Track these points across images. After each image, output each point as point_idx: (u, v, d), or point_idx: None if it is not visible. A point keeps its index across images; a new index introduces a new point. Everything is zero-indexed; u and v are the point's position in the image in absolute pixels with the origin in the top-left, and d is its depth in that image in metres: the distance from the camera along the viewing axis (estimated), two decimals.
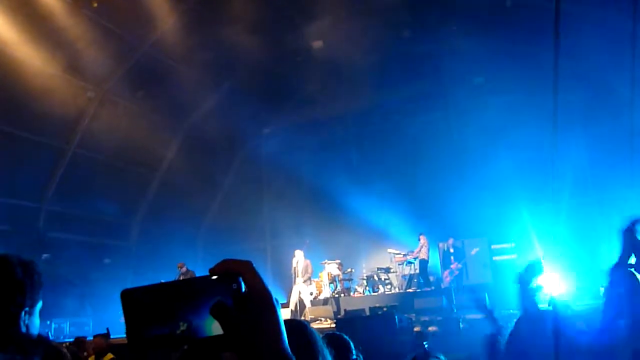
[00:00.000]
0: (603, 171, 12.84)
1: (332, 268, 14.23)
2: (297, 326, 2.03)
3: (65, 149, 13.90)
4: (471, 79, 14.54)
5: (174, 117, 16.00)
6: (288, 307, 12.48)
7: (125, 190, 15.64)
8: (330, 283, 13.99)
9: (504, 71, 13.14)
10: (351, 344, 3.38)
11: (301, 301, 12.32)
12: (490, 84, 13.95)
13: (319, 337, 1.99)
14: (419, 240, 13.81)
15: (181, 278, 8.97)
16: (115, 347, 7.23)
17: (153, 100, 14.86)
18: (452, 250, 12.41)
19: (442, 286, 12.51)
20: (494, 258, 13.31)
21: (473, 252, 12.34)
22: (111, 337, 8.19)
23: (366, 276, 14.67)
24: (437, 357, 2.15)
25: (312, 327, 2.05)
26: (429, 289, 13.05)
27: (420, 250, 13.76)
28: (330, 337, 3.67)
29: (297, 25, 13.75)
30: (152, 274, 14.91)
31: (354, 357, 2.75)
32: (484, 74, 14.26)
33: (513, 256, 13.30)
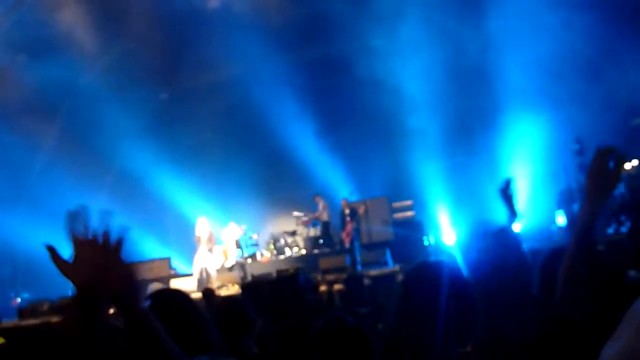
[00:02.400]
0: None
1: (237, 233, 14.17)
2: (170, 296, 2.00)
3: None
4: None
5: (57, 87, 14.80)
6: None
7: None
8: (236, 248, 13.94)
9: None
10: (247, 305, 3.40)
11: (206, 270, 12.18)
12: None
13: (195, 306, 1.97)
14: (317, 202, 14.10)
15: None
16: (5, 331, 6.77)
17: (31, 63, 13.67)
18: (347, 211, 12.65)
19: (344, 246, 12.84)
20: (394, 216, 13.81)
21: (361, 210, 12.73)
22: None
23: (272, 240, 14.79)
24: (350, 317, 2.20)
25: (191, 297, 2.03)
26: (332, 250, 13.42)
27: (320, 212, 14.08)
28: (222, 305, 3.67)
29: None
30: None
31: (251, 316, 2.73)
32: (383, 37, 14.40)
33: (411, 213, 13.88)
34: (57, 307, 10.30)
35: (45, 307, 10.85)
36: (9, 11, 12.62)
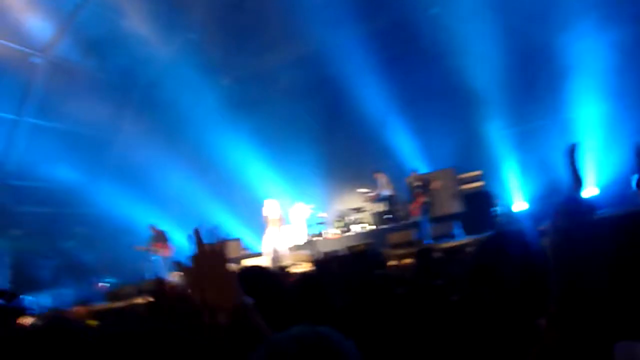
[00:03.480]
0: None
1: (305, 212, 14.42)
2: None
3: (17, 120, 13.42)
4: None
5: (128, 78, 15.52)
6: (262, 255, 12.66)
7: (83, 158, 15.21)
8: (304, 228, 14.20)
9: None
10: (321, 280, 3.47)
11: (277, 250, 12.47)
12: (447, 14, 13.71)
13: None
14: (376, 178, 14.03)
15: (153, 240, 8.93)
16: (97, 314, 7.25)
17: (102, 60, 14.35)
18: (415, 184, 12.49)
19: (412, 220, 12.76)
20: (461, 187, 13.53)
21: (435, 185, 12.45)
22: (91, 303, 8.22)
23: (340, 217, 14.93)
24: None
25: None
26: (399, 224, 13.38)
27: (382, 188, 14.01)
28: (298, 281, 3.77)
29: None
30: (123, 238, 14.76)
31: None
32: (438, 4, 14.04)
33: (480, 184, 13.57)
34: (141, 289, 10.90)
35: (130, 290, 11.54)
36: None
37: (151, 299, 1.85)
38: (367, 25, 14.46)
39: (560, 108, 13.36)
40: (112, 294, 12.05)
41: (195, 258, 1.41)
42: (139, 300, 8.77)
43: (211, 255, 1.41)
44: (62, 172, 14.34)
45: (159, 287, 1.68)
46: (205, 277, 1.39)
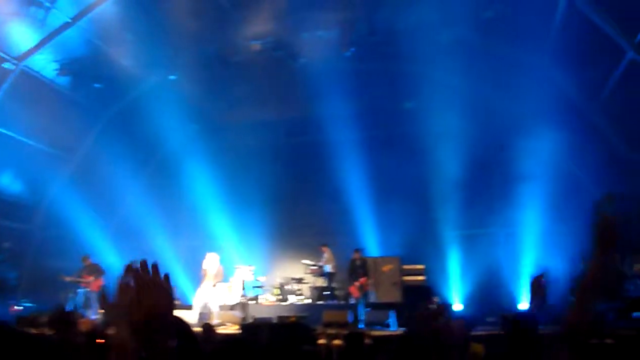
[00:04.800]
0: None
1: (244, 273, 14.12)
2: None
3: None
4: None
5: (98, 102, 15.40)
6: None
7: (33, 171, 14.76)
8: (240, 289, 13.86)
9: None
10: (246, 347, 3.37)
11: (208, 305, 12.09)
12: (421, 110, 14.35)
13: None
14: (323, 251, 14.02)
15: (84, 272, 8.55)
16: None
17: (76, 81, 14.25)
18: (359, 265, 12.50)
19: (351, 301, 12.66)
20: (404, 278, 13.62)
21: (386, 268, 12.49)
22: None
23: (278, 285, 14.67)
24: None
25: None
26: (336, 303, 13.25)
27: (325, 263, 13.97)
28: (221, 343, 3.64)
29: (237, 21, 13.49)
30: (53, 262, 14.14)
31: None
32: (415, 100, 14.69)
33: (422, 278, 13.70)
34: (49, 320, 10.23)
35: (43, 319, 10.81)
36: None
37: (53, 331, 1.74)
38: (345, 105, 14.93)
39: (507, 219, 13.87)
40: (24, 320, 11.26)
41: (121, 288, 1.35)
42: (48, 332, 8.23)
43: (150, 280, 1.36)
44: (4, 181, 13.80)
45: (63, 320, 1.57)
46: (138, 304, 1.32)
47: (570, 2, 11.00)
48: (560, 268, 12.23)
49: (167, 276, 1.39)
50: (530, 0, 11.35)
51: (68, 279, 13.04)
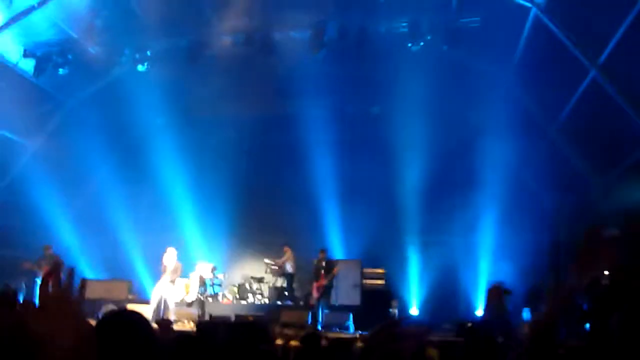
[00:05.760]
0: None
1: (204, 270, 13.98)
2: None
3: None
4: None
5: (63, 89, 15.04)
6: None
7: None
8: (200, 286, 13.72)
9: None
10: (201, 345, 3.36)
11: (164, 301, 11.90)
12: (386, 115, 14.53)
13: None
14: (284, 251, 14.02)
15: (44, 261, 8.31)
16: None
17: (40, 65, 13.83)
18: (323, 264, 12.47)
19: (311, 302, 12.67)
20: (364, 281, 13.71)
21: (335, 270, 12.50)
22: None
23: (238, 284, 14.58)
24: None
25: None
26: (295, 304, 13.26)
27: (284, 262, 13.96)
28: (176, 340, 3.61)
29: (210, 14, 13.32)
30: (9, 250, 13.72)
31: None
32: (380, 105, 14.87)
33: (382, 282, 13.81)
34: None
35: None
36: None
37: None
38: (313, 106, 14.96)
39: (467, 227, 14.15)
40: None
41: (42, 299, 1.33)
42: None
43: (57, 297, 1.33)
44: None
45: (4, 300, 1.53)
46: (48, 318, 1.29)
47: (536, 19, 11.29)
48: (514, 278, 12.55)
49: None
50: (500, 15, 11.59)
51: (28, 265, 12.67)
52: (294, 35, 12.82)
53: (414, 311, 14.23)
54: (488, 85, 13.07)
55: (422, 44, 11.94)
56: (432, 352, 4.63)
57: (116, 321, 1.83)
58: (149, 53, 13.56)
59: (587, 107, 11.42)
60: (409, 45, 12.01)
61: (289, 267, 13.94)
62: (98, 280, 13.77)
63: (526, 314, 11.41)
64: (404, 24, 12.13)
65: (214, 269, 14.22)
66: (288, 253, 14.00)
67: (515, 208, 13.13)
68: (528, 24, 11.58)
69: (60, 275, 1.34)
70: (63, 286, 1.34)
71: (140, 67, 13.56)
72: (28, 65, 13.71)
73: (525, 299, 11.70)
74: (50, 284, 1.33)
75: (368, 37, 12.30)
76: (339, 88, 14.68)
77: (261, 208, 15.29)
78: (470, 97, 13.67)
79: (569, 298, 1.79)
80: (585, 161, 12.44)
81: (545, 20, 11.06)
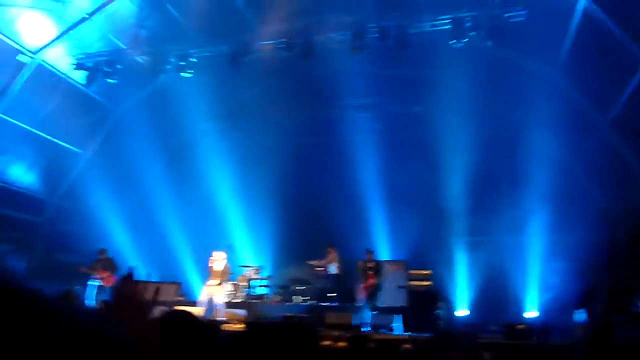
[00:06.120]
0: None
1: (250, 272, 14.17)
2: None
3: None
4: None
5: (112, 97, 15.56)
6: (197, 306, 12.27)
7: (46, 165, 14.95)
8: (246, 288, 13.90)
9: None
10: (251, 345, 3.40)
11: (213, 302, 12.13)
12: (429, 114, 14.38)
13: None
14: (328, 252, 14.01)
15: (99, 265, 8.67)
16: None
17: (91, 75, 14.33)
18: (369, 265, 12.39)
19: (356, 303, 12.64)
20: (410, 283, 13.57)
21: (392, 269, 12.41)
22: None
23: (283, 285, 14.68)
24: None
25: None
26: (340, 305, 13.24)
27: (328, 263, 13.95)
28: (226, 340, 3.67)
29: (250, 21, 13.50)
30: (63, 255, 14.32)
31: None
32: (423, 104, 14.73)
33: (428, 283, 13.65)
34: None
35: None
36: None
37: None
38: (356, 107, 14.96)
39: (515, 226, 13.83)
40: None
41: (114, 298, 1.40)
42: None
43: (127, 297, 1.39)
44: (16, 171, 13.95)
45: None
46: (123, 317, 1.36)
47: (585, 10, 10.94)
48: (566, 278, 12.19)
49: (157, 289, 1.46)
50: (546, 7, 11.29)
51: (83, 269, 13.15)
52: (334, 37, 12.82)
53: (461, 312, 14.00)
54: (535, 81, 12.75)
55: (465, 40, 11.71)
56: (486, 355, 4.54)
57: (173, 321, 1.90)
58: (192, 60, 13.82)
59: None
60: (452, 42, 11.80)
61: (334, 268, 13.94)
62: (149, 282, 14.16)
63: (580, 316, 11.06)
64: (447, 21, 11.93)
65: (259, 270, 14.39)
66: (332, 254, 13.99)
67: (566, 206, 12.75)
68: (576, 16, 11.23)
69: (131, 280, 1.42)
70: (137, 290, 1.41)
71: (184, 74, 13.86)
72: (79, 76, 14.23)
73: (579, 300, 11.35)
74: (125, 287, 1.40)
75: (409, 36, 12.19)
76: (381, 89, 14.63)
77: (306, 210, 15.36)
78: (517, 93, 13.38)
79: (624, 299, 1.74)
80: (639, 156, 11.97)
81: (595, 10, 10.71)
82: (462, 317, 13.73)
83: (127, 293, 1.41)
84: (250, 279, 14.08)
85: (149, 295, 1.45)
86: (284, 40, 12.97)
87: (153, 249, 15.81)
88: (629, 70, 10.93)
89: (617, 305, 10.24)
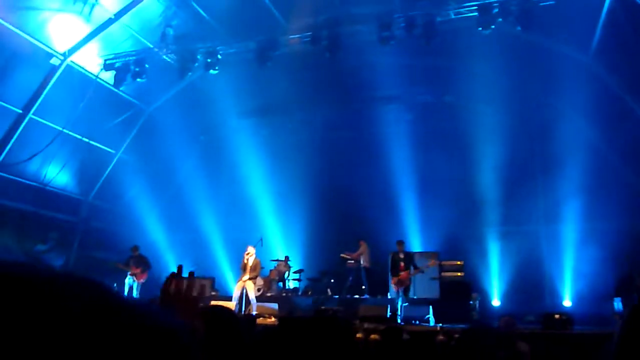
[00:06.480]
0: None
1: (282, 266, 14.26)
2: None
3: (21, 114, 13.43)
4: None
5: (141, 97, 15.78)
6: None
7: (79, 164, 15.28)
8: (279, 281, 13.99)
9: None
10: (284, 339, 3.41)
11: (247, 297, 12.24)
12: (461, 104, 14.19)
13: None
14: (359, 244, 13.99)
15: (132, 261, 8.86)
16: None
17: (120, 76, 14.57)
18: (401, 256, 12.26)
19: (388, 295, 12.59)
20: (443, 274, 13.45)
21: (430, 264, 12.25)
22: None
23: (315, 278, 14.73)
24: None
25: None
26: (373, 297, 13.21)
27: (359, 255, 13.93)
28: (261, 334, 3.70)
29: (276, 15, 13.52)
30: (98, 252, 14.64)
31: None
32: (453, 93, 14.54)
33: (460, 274, 13.50)
34: None
35: None
36: None
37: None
38: (384, 99, 14.85)
39: (548, 215, 13.58)
40: None
41: (162, 295, 1.43)
42: None
43: (175, 294, 1.42)
44: (51, 172, 14.29)
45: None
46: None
47: None
48: (602, 266, 11.92)
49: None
50: None
51: (120, 266, 13.44)
52: (360, 29, 12.73)
53: (495, 302, 13.83)
54: (567, 66, 12.44)
55: (493, 27, 11.49)
56: (524, 346, 4.47)
57: (211, 316, 1.92)
58: (219, 57, 13.90)
59: None
60: (480, 29, 11.58)
61: (364, 261, 13.92)
62: (183, 278, 14.38)
63: (617, 304, 10.81)
64: (474, 7, 11.71)
65: (291, 264, 14.49)
66: (363, 246, 13.99)
67: (601, 193, 12.45)
68: (608, 1, 10.91)
69: (179, 277, 1.45)
70: (186, 287, 1.44)
71: (212, 71, 13.97)
72: (108, 76, 14.46)
73: (616, 288, 11.10)
74: (173, 284, 1.43)
75: (436, 24, 12.01)
76: (410, 79, 14.50)
77: (337, 203, 15.38)
78: (548, 79, 13.09)
79: None
80: None
81: None
82: (497, 308, 13.56)
83: (175, 290, 1.43)
84: (282, 273, 14.16)
85: (195, 291, 1.46)
86: (310, 34, 12.94)
87: (186, 245, 16.05)
88: None
89: None
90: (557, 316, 9.98)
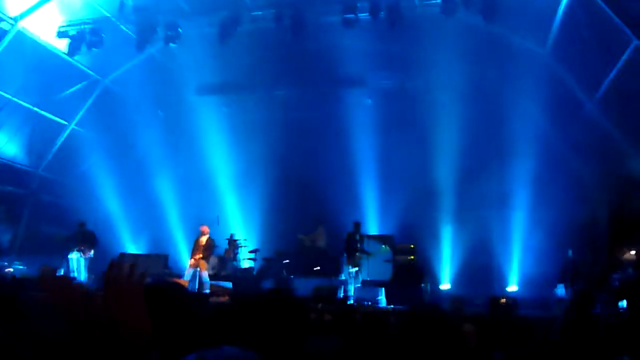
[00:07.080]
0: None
1: (238, 245, 14.21)
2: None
3: None
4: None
5: (97, 67, 15.28)
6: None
7: (29, 135, 14.74)
8: (232, 260, 13.95)
9: None
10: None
11: (199, 275, 12.13)
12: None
13: None
14: (317, 226, 14.10)
15: (78, 237, 8.60)
16: None
17: (75, 45, 14.05)
18: (357, 237, 12.33)
19: (342, 276, 12.70)
20: (395, 257, 13.68)
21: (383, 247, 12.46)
22: None
23: (270, 257, 14.73)
24: None
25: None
26: (328, 277, 13.32)
27: (317, 237, 14.04)
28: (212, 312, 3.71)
29: None
30: (46, 227, 14.24)
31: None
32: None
33: (412, 257, 13.76)
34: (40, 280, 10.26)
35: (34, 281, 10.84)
36: None
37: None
38: (348, 83, 14.88)
39: (501, 201, 13.99)
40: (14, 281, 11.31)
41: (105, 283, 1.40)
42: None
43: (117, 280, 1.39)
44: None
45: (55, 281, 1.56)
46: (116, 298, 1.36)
47: None
48: (548, 253, 12.37)
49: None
50: None
51: (66, 242, 13.05)
52: (324, 11, 12.66)
53: (445, 286, 14.20)
54: (524, 59, 12.75)
55: (456, 15, 11.63)
56: (469, 327, 4.61)
57: (159, 292, 1.90)
58: (180, 30, 13.56)
59: (628, 80, 11.03)
60: (443, 18, 11.70)
61: (320, 243, 14.03)
62: (136, 254, 14.17)
63: (560, 290, 11.28)
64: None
65: (247, 244, 14.47)
66: (320, 229, 14.09)
67: (551, 182, 12.90)
68: None
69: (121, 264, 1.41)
70: (128, 273, 1.41)
71: (172, 44, 13.63)
72: (62, 44, 13.89)
73: (559, 274, 11.56)
74: (116, 269, 1.40)
75: (400, 11, 12.06)
76: (372, 64, 14.54)
77: (296, 184, 15.42)
78: (505, 70, 13.39)
79: (605, 274, 1.78)
80: (625, 135, 12.06)
81: None
82: (447, 291, 13.93)
83: (117, 276, 1.40)
84: (237, 252, 14.12)
85: (137, 273, 1.43)
86: (273, 11, 12.79)
87: (141, 220, 15.78)
88: (617, 49, 10.95)
89: (596, 280, 10.47)
90: (502, 300, 10.32)
